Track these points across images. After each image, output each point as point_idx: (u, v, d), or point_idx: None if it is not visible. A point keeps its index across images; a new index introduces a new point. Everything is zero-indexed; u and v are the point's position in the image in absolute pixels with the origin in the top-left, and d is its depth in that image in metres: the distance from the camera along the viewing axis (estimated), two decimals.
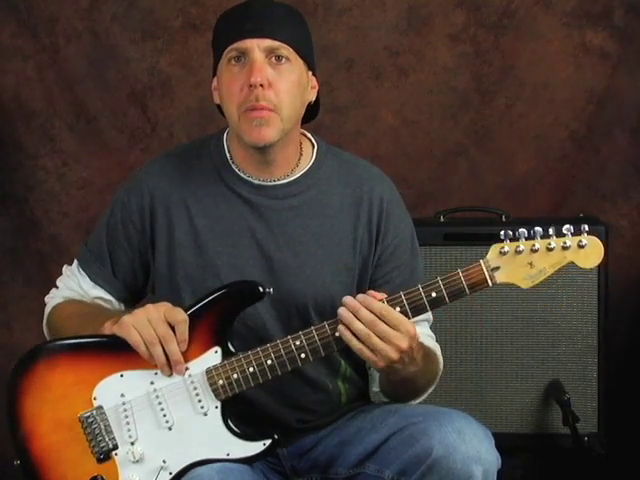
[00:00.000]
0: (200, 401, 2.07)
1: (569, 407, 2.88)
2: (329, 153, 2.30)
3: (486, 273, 2.03)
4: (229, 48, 2.15)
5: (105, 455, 2.07)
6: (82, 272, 2.31)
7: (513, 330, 3.00)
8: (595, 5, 3.35)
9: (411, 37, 3.41)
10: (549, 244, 2.01)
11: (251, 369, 2.06)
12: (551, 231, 2.01)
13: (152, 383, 2.07)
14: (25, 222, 3.48)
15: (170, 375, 2.07)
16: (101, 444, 2.07)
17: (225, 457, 2.05)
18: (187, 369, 2.07)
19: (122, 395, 2.08)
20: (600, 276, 2.97)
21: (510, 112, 3.42)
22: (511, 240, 2.02)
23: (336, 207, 2.24)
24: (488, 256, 2.04)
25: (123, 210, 2.27)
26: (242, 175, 2.23)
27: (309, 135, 2.31)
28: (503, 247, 2.02)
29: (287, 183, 2.24)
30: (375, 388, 2.29)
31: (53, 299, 2.35)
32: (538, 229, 2.01)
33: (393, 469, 2.07)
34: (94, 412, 2.08)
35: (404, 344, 2.01)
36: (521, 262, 2.02)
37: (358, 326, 2.01)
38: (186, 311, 2.07)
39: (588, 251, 2.02)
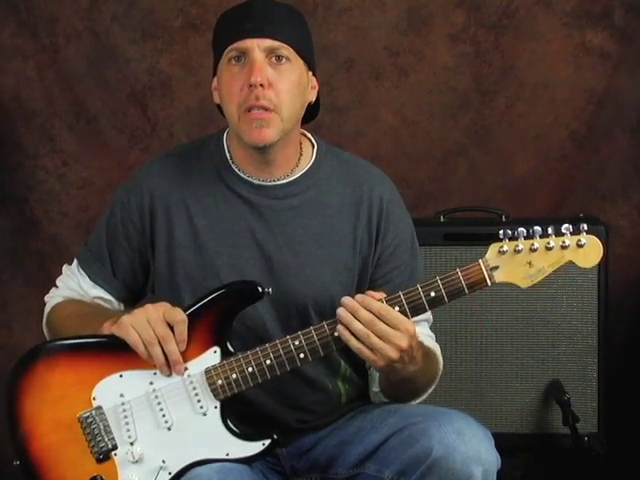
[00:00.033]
0: (199, 401, 2.07)
1: (569, 407, 2.88)
2: (329, 153, 2.29)
3: (485, 272, 2.03)
4: (229, 48, 2.15)
5: (104, 455, 2.07)
6: (82, 272, 2.31)
7: (513, 330, 3.00)
8: (595, 5, 3.35)
9: (411, 37, 3.41)
10: (548, 243, 2.01)
11: (250, 369, 2.06)
12: (550, 230, 2.01)
13: (151, 383, 2.07)
14: (25, 222, 3.48)
15: (169, 375, 2.07)
16: (100, 444, 2.07)
17: (224, 457, 2.05)
18: (186, 369, 2.07)
19: (121, 395, 2.08)
20: (600, 276, 2.97)
21: (510, 112, 3.42)
22: (510, 239, 2.02)
23: (336, 207, 2.24)
24: (487, 255, 2.04)
25: (123, 210, 2.27)
26: (242, 175, 2.23)
27: (309, 135, 2.31)
28: (502, 246, 2.02)
29: (287, 183, 2.24)
30: (375, 388, 2.29)
31: (53, 298, 2.35)
32: (537, 228, 2.01)
33: (393, 469, 2.07)
34: (93, 412, 2.08)
35: (404, 343, 2.01)
36: (520, 261, 2.02)
37: (357, 326, 2.01)
38: (185, 311, 2.07)
39: (587, 250, 2.02)
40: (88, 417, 2.08)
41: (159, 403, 2.07)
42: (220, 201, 2.23)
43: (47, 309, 2.35)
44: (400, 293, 2.04)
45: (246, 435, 2.06)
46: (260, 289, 2.08)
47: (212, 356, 2.08)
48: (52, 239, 3.48)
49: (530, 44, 3.38)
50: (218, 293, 2.10)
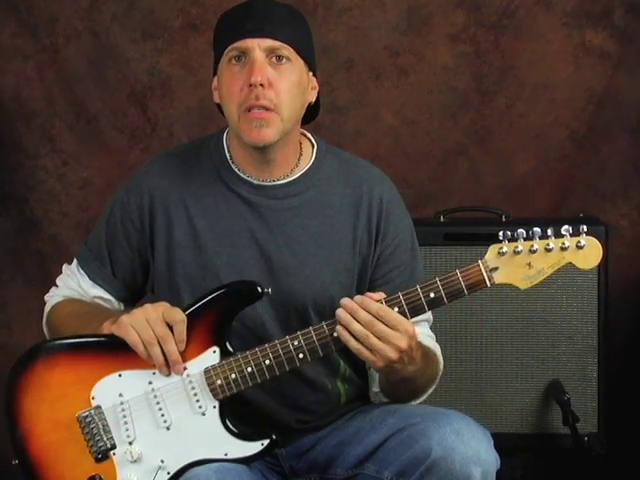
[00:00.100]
0: (198, 401, 2.07)
1: (569, 407, 2.88)
2: (329, 153, 2.29)
3: (484, 273, 2.03)
4: (230, 47, 2.15)
5: (103, 455, 2.07)
6: (81, 271, 2.31)
7: (513, 330, 3.00)
8: (595, 5, 3.35)
9: (411, 37, 3.41)
10: (547, 245, 2.01)
11: (249, 369, 2.06)
12: (550, 232, 2.01)
13: (150, 383, 2.07)
14: (25, 222, 3.48)
15: (168, 375, 2.07)
16: (99, 444, 2.07)
17: (223, 457, 2.05)
18: (185, 369, 2.07)
19: (120, 395, 2.08)
20: (600, 276, 2.97)
21: (510, 112, 3.42)
22: (509, 240, 2.02)
23: (336, 207, 2.24)
24: (486, 256, 2.04)
25: (122, 209, 2.27)
26: (242, 175, 2.23)
27: (309, 135, 2.31)
28: (501, 247, 2.02)
29: (287, 183, 2.23)
30: (375, 388, 2.29)
31: (53, 298, 2.35)
32: (537, 230, 2.01)
33: (392, 470, 2.07)
34: (92, 412, 2.08)
35: (403, 344, 2.01)
36: (519, 263, 2.02)
37: (356, 327, 2.01)
38: (185, 311, 2.07)
39: (587, 252, 2.02)
40: (87, 416, 2.08)
41: (158, 403, 2.07)
42: (220, 201, 2.23)
43: (47, 308, 2.35)
44: (399, 294, 2.03)
45: (245, 435, 2.06)
46: (260, 289, 2.08)
47: (211, 356, 2.07)
48: (52, 239, 3.48)
49: (530, 44, 3.38)
50: (218, 293, 2.10)
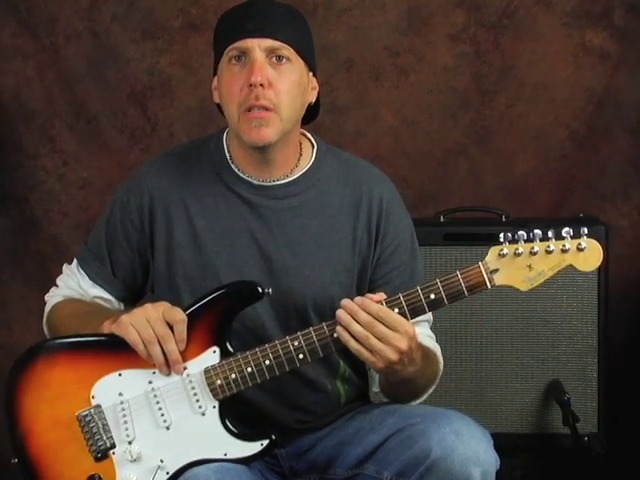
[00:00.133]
0: (198, 401, 2.07)
1: (569, 407, 2.88)
2: (329, 153, 2.29)
3: (485, 275, 2.03)
4: (230, 47, 2.15)
5: (103, 454, 2.07)
6: (81, 271, 2.31)
7: (513, 330, 3.00)
8: (595, 5, 3.35)
9: (411, 37, 3.41)
10: (548, 247, 2.01)
11: (249, 369, 2.06)
12: (550, 234, 2.01)
13: (150, 382, 2.08)
14: (25, 222, 3.48)
15: (168, 374, 2.07)
16: (99, 443, 2.07)
17: (222, 457, 2.05)
18: (185, 369, 2.07)
19: (120, 394, 2.08)
20: (600, 276, 2.97)
21: (510, 112, 3.42)
22: (510, 242, 2.02)
23: (336, 207, 2.24)
24: (487, 258, 2.04)
25: (122, 209, 2.27)
26: (242, 175, 2.23)
27: (309, 135, 2.31)
28: (502, 249, 2.02)
29: (286, 183, 2.23)
30: (375, 389, 2.29)
31: (53, 298, 2.35)
32: (537, 232, 2.01)
33: (392, 470, 2.07)
34: (92, 411, 2.08)
35: (403, 345, 2.01)
36: (520, 265, 2.02)
37: (356, 328, 2.01)
38: (185, 311, 2.07)
39: (587, 254, 2.02)
40: (87, 415, 2.08)
41: (158, 402, 2.07)
42: (220, 201, 2.23)
43: (47, 308, 2.35)
44: (400, 295, 2.03)
45: (244, 435, 2.06)
46: (260, 289, 2.08)
47: (211, 356, 2.08)
48: (52, 239, 3.48)
49: (530, 44, 3.38)
50: (218, 293, 2.10)
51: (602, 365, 3.00)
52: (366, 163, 2.33)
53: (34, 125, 3.45)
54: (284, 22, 2.17)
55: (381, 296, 2.04)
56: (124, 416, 2.08)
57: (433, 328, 2.31)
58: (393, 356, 2.01)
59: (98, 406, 2.08)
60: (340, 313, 2.02)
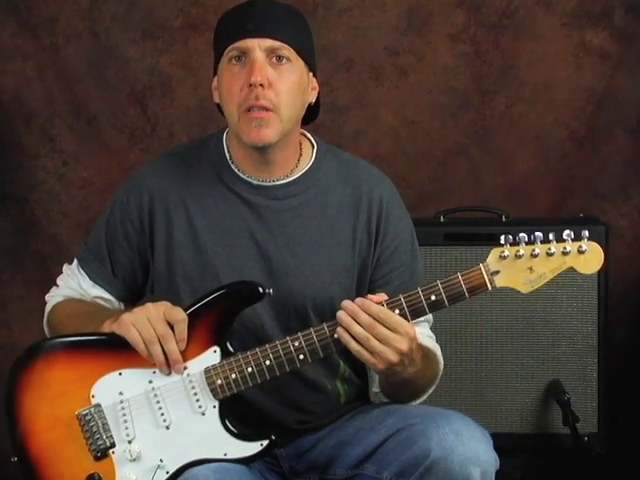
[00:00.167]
0: (198, 400, 2.07)
1: (569, 407, 2.88)
2: (329, 153, 2.29)
3: (486, 277, 2.03)
4: (230, 47, 2.15)
5: (102, 453, 2.07)
6: (81, 271, 2.31)
7: (513, 330, 3.00)
8: (595, 5, 3.35)
9: (411, 37, 3.41)
10: (549, 249, 2.01)
11: (250, 369, 2.06)
12: (551, 236, 2.01)
13: (150, 382, 2.08)
14: (25, 222, 3.48)
15: (169, 374, 2.07)
16: (98, 442, 2.07)
17: (222, 457, 2.05)
18: (186, 368, 2.07)
19: (120, 393, 2.08)
20: (600, 276, 2.96)
21: (510, 112, 3.42)
22: (511, 244, 2.02)
23: (335, 207, 2.24)
24: (488, 260, 2.04)
25: (122, 210, 2.27)
26: (241, 175, 2.23)
27: (309, 135, 2.31)
28: (503, 251, 2.02)
29: (286, 183, 2.23)
30: (375, 389, 2.29)
31: (53, 298, 2.35)
32: (538, 234, 2.01)
33: (391, 470, 2.07)
34: (92, 410, 2.08)
35: (403, 346, 2.01)
36: (521, 267, 2.02)
37: (357, 329, 2.01)
38: (185, 310, 2.07)
39: (588, 257, 2.02)
40: (87, 415, 2.08)
41: (158, 402, 2.07)
42: (219, 201, 2.23)
43: (48, 308, 2.35)
44: (400, 296, 2.03)
45: (244, 435, 2.06)
46: (261, 290, 2.08)
47: (212, 356, 2.08)
48: (52, 239, 3.48)
49: (530, 44, 3.38)
50: (219, 293, 2.10)
51: (602, 365, 2.99)
52: (366, 163, 2.33)
53: (34, 125, 3.45)
54: (284, 22, 2.17)
55: (382, 297, 2.04)
56: (124, 415, 2.08)
57: (433, 328, 2.31)
58: (393, 357, 2.01)
59: (98, 405, 2.08)
60: (341, 314, 2.02)
